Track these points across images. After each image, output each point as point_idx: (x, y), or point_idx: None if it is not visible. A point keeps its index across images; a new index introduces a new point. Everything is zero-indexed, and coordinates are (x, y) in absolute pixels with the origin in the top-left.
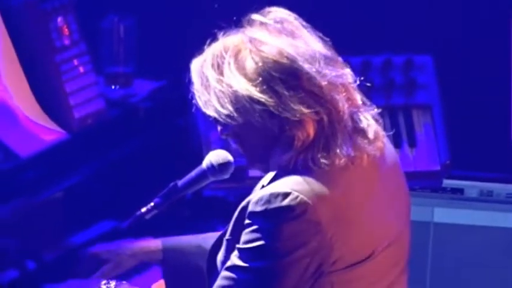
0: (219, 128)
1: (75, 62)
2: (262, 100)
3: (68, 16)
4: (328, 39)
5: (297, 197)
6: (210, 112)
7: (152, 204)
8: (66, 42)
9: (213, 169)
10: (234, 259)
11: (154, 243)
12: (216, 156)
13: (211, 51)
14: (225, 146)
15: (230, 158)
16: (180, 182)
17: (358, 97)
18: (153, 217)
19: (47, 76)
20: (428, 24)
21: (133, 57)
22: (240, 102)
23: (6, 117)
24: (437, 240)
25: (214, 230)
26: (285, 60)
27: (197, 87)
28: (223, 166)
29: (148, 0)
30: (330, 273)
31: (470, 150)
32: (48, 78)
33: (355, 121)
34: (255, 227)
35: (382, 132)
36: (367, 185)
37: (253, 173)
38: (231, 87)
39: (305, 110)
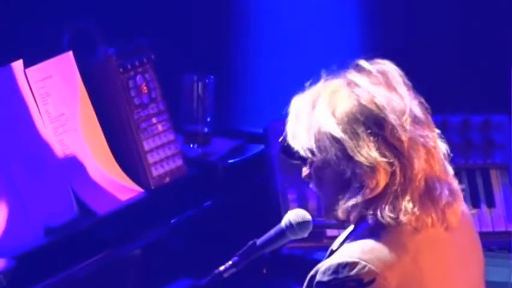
0: (303, 167)
1: (154, 120)
2: (342, 139)
3: (147, 74)
4: (427, 105)
5: (364, 266)
6: (296, 145)
7: (231, 262)
8: (145, 100)
9: (291, 228)
10: None
11: None
12: (295, 215)
13: (312, 88)
14: (303, 205)
15: (309, 217)
16: (258, 241)
17: (442, 166)
18: (231, 275)
19: (125, 134)
20: (504, 84)
21: (211, 115)
22: (322, 139)
23: (85, 174)
24: None
25: None
26: (373, 107)
27: (290, 119)
28: (302, 225)
29: (226, 58)
30: None
31: None
32: (127, 136)
33: (428, 186)
34: None
35: (458, 204)
36: (437, 251)
37: (331, 232)
38: (318, 122)
39: (380, 158)
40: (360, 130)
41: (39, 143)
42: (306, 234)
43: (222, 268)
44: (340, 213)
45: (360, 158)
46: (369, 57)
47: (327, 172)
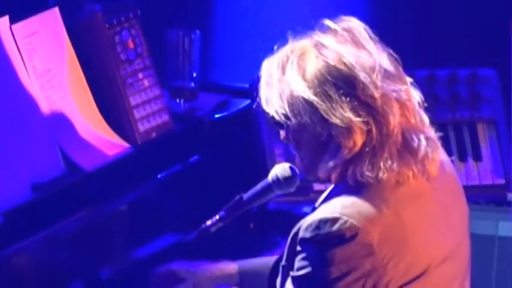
0: (280, 132)
1: (140, 75)
2: (314, 102)
3: (133, 29)
4: (396, 56)
5: (346, 221)
6: (270, 110)
7: (217, 217)
8: (131, 55)
9: (278, 182)
10: (289, 287)
11: (231, 267)
12: (281, 169)
13: (280, 52)
14: (289, 159)
15: (295, 171)
16: (245, 196)
17: (417, 117)
18: (218, 230)
19: (112, 90)
20: (492, 37)
21: (198, 70)
22: (295, 103)
23: (71, 130)
24: (502, 254)
25: (278, 243)
26: (342, 67)
27: (262, 84)
28: (289, 180)
29: (212, 13)
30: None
31: None
32: (113, 92)
33: (406, 139)
34: (305, 254)
35: (437, 153)
36: (419, 203)
37: (318, 186)
38: (289, 86)
39: (354, 119)
40: (332, 92)
41: (26, 99)
42: (293, 189)
43: (208, 223)
44: (321, 174)
45: (334, 120)
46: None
47: (304, 135)
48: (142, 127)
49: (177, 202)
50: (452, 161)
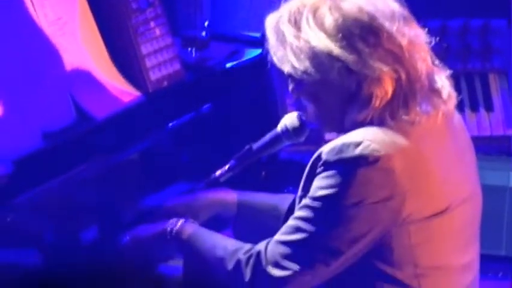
0: (291, 86)
1: (152, 24)
2: (342, 56)
3: None
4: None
5: (369, 145)
6: (286, 68)
7: (227, 167)
8: (143, 4)
9: (287, 132)
10: (305, 200)
11: (230, 196)
12: (290, 119)
13: (288, 7)
14: (301, 108)
15: (305, 121)
16: (254, 145)
17: (434, 59)
18: (228, 180)
19: (123, 38)
20: None
21: (209, 19)
22: (318, 58)
23: (83, 78)
24: None
25: (289, 192)
26: (365, 18)
27: (272, 43)
28: (298, 130)
29: None
30: (408, 223)
31: None
32: (125, 40)
33: (430, 81)
34: (328, 173)
35: (454, 93)
36: (439, 142)
37: (330, 135)
38: (309, 43)
39: (384, 68)
40: (358, 44)
41: (37, 46)
42: (302, 139)
43: (218, 173)
44: (346, 125)
45: (364, 71)
46: None
47: (327, 89)
48: (153, 76)
49: (188, 151)
50: (463, 112)
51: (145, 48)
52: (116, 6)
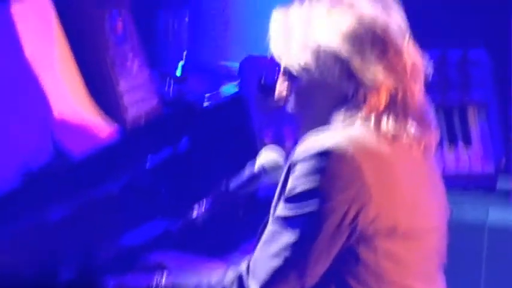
0: (284, 83)
1: (130, 57)
2: (348, 59)
3: (123, 10)
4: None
5: (336, 142)
6: (286, 61)
7: (203, 206)
8: (120, 37)
9: (264, 170)
10: (278, 209)
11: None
12: (267, 156)
13: (303, 5)
14: (279, 143)
15: (281, 160)
16: (231, 185)
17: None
18: (204, 220)
19: (101, 72)
20: (482, 16)
21: (187, 52)
22: (322, 57)
23: (61, 114)
24: (492, 239)
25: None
26: (378, 28)
27: (276, 35)
28: (276, 167)
29: None
30: (373, 236)
31: None
32: (102, 75)
33: (422, 109)
34: (297, 171)
35: (438, 129)
36: (414, 168)
37: None
38: (318, 40)
39: (384, 80)
40: (367, 51)
41: (14, 80)
42: (279, 177)
43: (194, 212)
44: (332, 126)
45: (365, 78)
46: None
47: (321, 90)
48: (131, 112)
49: (166, 187)
50: (442, 145)
51: (123, 84)
52: (93, 39)
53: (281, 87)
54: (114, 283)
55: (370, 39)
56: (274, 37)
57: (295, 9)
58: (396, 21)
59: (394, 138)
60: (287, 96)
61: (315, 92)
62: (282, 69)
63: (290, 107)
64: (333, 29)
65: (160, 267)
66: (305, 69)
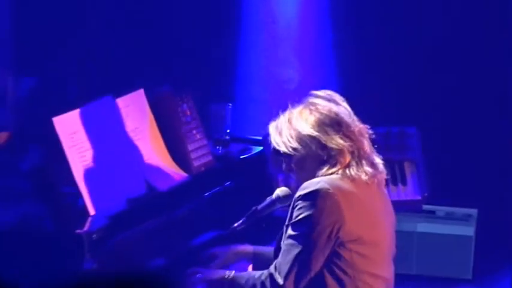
0: (285, 162)
1: (194, 131)
2: (317, 137)
3: (189, 102)
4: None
5: (323, 185)
6: (282, 148)
7: (241, 221)
8: (188, 119)
9: (279, 199)
10: (289, 230)
11: (249, 248)
12: (281, 191)
13: (284, 115)
14: (287, 185)
15: (289, 191)
16: (259, 207)
17: (371, 146)
18: (242, 229)
19: (177, 140)
20: (416, 102)
21: (230, 128)
22: (303, 140)
23: (151, 166)
24: (420, 245)
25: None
26: (333, 115)
27: (274, 135)
28: (286, 197)
29: (240, 89)
30: (348, 243)
31: (441, 188)
32: (178, 141)
33: (371, 157)
34: (298, 205)
35: (385, 170)
36: (372, 196)
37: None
38: (297, 130)
39: (344, 144)
40: (328, 129)
41: (123, 145)
42: (288, 203)
43: (235, 225)
44: (317, 179)
45: (332, 146)
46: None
47: (308, 158)
48: (195, 163)
49: (217, 211)
50: (388, 186)
51: (190, 146)
52: (172, 121)
53: (284, 165)
54: (201, 274)
55: (329, 123)
56: (272, 135)
57: (281, 118)
58: (344, 109)
59: (357, 179)
60: (289, 169)
61: (303, 161)
62: (281, 154)
63: (291, 170)
64: (305, 121)
65: (213, 255)
66: (295, 150)
